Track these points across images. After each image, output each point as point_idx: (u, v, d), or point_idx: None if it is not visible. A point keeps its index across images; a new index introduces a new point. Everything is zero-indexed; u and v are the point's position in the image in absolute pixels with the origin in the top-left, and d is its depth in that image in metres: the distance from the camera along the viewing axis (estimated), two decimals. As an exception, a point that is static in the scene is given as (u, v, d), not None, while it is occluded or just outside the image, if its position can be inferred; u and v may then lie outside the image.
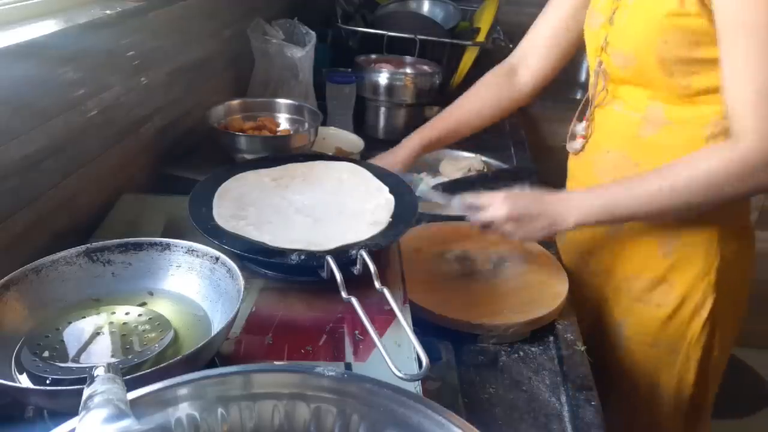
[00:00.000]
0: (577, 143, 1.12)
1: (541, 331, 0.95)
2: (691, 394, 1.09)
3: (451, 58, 1.82)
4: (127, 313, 0.70)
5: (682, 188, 0.88)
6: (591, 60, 1.08)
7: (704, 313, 1.04)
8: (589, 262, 1.14)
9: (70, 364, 0.62)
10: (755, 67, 0.83)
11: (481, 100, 1.23)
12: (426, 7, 2.03)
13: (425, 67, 1.70)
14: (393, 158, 1.21)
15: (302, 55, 1.50)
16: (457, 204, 1.00)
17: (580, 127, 1.12)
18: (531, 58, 1.20)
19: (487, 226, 0.97)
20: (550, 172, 1.21)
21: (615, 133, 1.05)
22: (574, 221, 0.94)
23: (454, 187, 1.37)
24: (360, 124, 1.62)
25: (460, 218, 1.19)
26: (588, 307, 1.12)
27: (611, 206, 0.94)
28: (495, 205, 0.95)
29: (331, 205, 0.93)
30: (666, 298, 1.05)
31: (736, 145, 0.85)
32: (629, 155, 1.02)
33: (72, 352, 0.64)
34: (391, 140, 1.61)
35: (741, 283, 1.08)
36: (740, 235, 1.05)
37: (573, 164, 1.18)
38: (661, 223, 1.02)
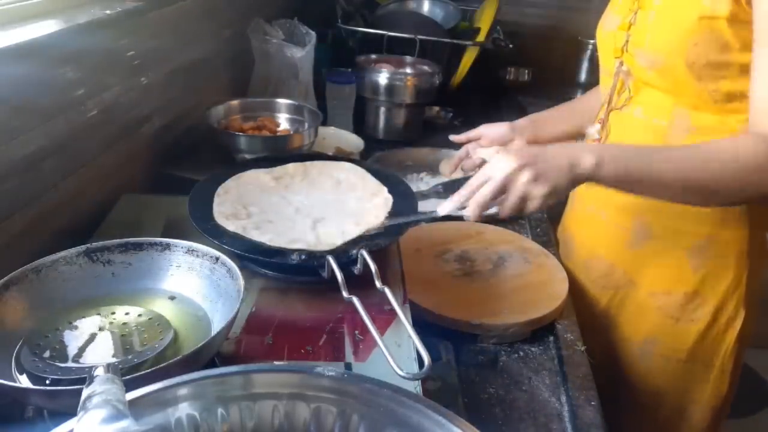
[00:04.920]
0: None
1: (541, 331, 0.95)
2: (722, 404, 1.08)
3: (451, 58, 1.82)
4: (127, 313, 0.70)
5: (717, 164, 0.83)
6: (606, 62, 1.06)
7: (737, 324, 1.03)
8: (604, 283, 1.10)
9: (69, 364, 0.62)
10: None
11: (589, 103, 1.19)
12: (426, 7, 2.03)
13: (425, 67, 1.70)
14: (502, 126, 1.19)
15: (302, 55, 1.50)
16: (457, 198, 0.87)
17: (593, 130, 1.07)
18: None
19: (501, 191, 0.81)
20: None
21: (637, 141, 1.00)
22: (594, 160, 0.81)
23: (454, 186, 1.37)
24: (360, 124, 1.62)
25: (461, 218, 1.20)
26: (600, 332, 1.09)
27: (634, 155, 0.84)
28: (499, 159, 0.82)
29: (331, 204, 0.93)
30: (700, 313, 1.03)
31: None
32: None
33: (72, 352, 0.64)
34: (391, 140, 1.62)
35: (759, 290, 1.07)
36: (765, 245, 1.03)
37: None
38: (684, 206, 0.94)
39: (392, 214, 0.90)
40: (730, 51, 0.87)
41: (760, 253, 1.02)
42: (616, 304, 1.09)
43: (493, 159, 0.82)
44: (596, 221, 1.11)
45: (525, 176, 0.79)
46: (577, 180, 0.81)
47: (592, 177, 0.82)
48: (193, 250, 0.76)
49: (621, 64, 1.00)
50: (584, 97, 1.24)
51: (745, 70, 0.86)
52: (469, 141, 1.20)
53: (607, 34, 1.04)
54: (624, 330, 1.09)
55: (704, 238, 0.99)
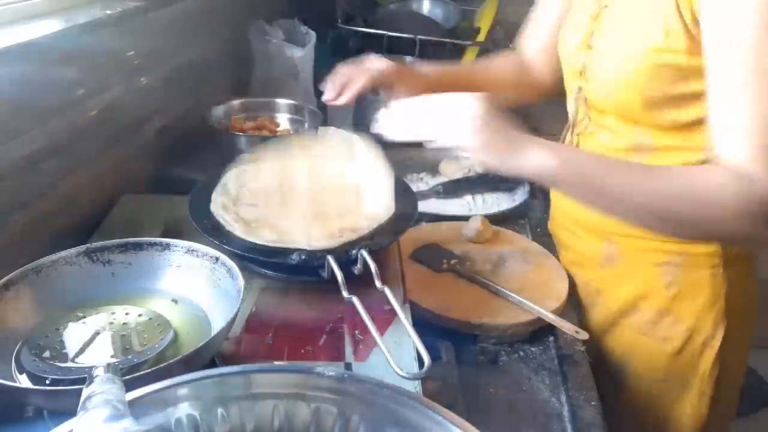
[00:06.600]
0: None
1: (541, 331, 0.95)
2: (704, 428, 1.03)
3: (451, 58, 1.82)
4: (127, 313, 0.70)
5: (672, 195, 0.76)
6: (568, 82, 1.02)
7: (716, 344, 0.97)
8: (583, 296, 1.07)
9: (69, 364, 0.62)
10: (754, 94, 0.72)
11: (502, 70, 1.17)
12: (426, 7, 2.03)
13: (425, 67, 1.69)
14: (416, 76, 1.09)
15: (302, 55, 1.50)
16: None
17: None
18: (538, 62, 1.15)
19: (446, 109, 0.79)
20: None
21: None
22: (534, 156, 0.75)
23: (454, 187, 1.37)
24: (360, 124, 1.61)
25: (461, 218, 1.20)
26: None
27: (578, 163, 0.78)
28: (467, 96, 0.78)
29: (331, 204, 0.93)
30: (673, 331, 0.98)
31: (751, 185, 0.72)
32: None
33: (72, 352, 0.64)
34: (392, 140, 1.62)
35: (750, 303, 1.02)
36: (745, 257, 0.98)
37: (558, 195, 1.12)
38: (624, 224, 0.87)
39: (394, 214, 0.90)
40: (689, 81, 0.82)
41: (740, 266, 0.97)
42: (593, 318, 1.07)
43: (464, 96, 0.78)
44: (573, 237, 1.09)
45: (470, 120, 0.76)
46: (520, 172, 0.77)
47: (540, 180, 0.80)
48: (193, 250, 0.76)
49: (579, 89, 0.97)
50: (494, 66, 1.20)
51: (703, 97, 0.81)
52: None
53: (568, 51, 0.99)
54: (600, 345, 1.06)
55: (675, 255, 0.95)
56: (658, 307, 0.99)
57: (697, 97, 0.81)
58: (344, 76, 1.04)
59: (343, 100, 1.03)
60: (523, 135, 0.78)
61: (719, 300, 0.96)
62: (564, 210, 1.12)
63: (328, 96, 1.04)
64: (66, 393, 0.57)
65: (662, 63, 0.82)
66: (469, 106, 0.77)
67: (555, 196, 1.15)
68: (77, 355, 0.63)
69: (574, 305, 1.03)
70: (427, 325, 0.87)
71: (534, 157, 0.76)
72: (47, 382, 0.61)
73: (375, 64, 1.05)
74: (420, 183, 1.42)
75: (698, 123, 0.84)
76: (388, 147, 1.54)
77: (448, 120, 0.78)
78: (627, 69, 0.85)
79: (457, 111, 0.78)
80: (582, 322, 1.01)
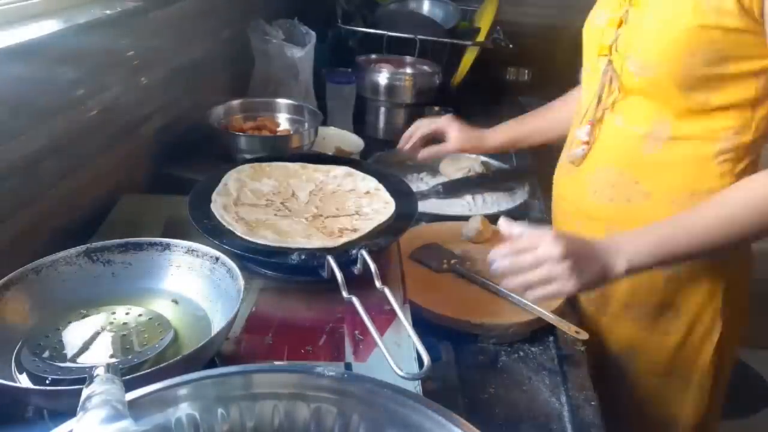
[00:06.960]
0: (580, 150, 1.04)
1: (541, 331, 0.95)
2: (704, 421, 1.05)
3: (451, 58, 1.82)
4: (127, 313, 0.70)
5: (743, 216, 0.82)
6: (590, 59, 1.02)
7: (714, 337, 0.99)
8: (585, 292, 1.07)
9: (70, 364, 0.62)
10: None
11: (556, 117, 1.22)
12: (426, 7, 2.03)
13: (425, 67, 1.70)
14: (480, 143, 1.31)
15: (302, 55, 1.50)
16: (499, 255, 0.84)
17: (582, 132, 1.03)
18: None
19: (536, 266, 0.81)
20: (550, 172, 1.20)
21: (614, 149, 0.99)
22: (626, 262, 0.82)
23: (454, 187, 1.37)
24: (360, 124, 1.62)
25: (461, 218, 1.20)
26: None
27: (665, 243, 0.84)
28: (546, 242, 0.81)
29: (330, 204, 0.93)
30: (673, 325, 1.00)
31: None
32: (628, 172, 0.97)
33: (72, 352, 0.64)
34: (391, 140, 1.62)
35: (744, 300, 1.04)
36: (743, 254, 1.01)
37: (563, 182, 1.13)
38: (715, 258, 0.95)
39: (394, 214, 0.90)
40: (728, 63, 0.83)
41: (739, 264, 0.99)
42: (593, 314, 1.07)
43: (546, 239, 0.82)
44: (575, 226, 1.09)
45: (563, 267, 0.80)
46: (606, 282, 0.84)
47: (624, 277, 0.84)
48: (193, 250, 0.76)
49: (609, 62, 0.96)
50: (555, 108, 1.24)
51: (738, 80, 0.84)
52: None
53: (595, 30, 1.00)
54: (604, 340, 1.06)
55: None
56: (658, 302, 1.00)
57: (730, 80, 0.84)
58: (414, 127, 1.33)
59: (408, 146, 1.33)
60: (599, 252, 0.83)
61: (717, 295, 0.98)
62: (567, 198, 1.12)
63: (400, 145, 1.35)
64: (66, 393, 0.57)
65: (708, 39, 0.83)
66: (553, 254, 0.80)
67: (557, 183, 1.16)
68: (77, 355, 0.63)
69: (574, 305, 1.03)
70: (427, 325, 0.87)
71: (616, 271, 0.82)
72: (47, 382, 0.61)
73: (438, 120, 1.33)
74: (420, 183, 1.42)
75: (724, 109, 0.86)
76: (387, 148, 1.55)
77: (542, 276, 0.81)
78: (670, 45, 0.86)
79: (545, 265, 0.81)
80: (582, 321, 1.02)
